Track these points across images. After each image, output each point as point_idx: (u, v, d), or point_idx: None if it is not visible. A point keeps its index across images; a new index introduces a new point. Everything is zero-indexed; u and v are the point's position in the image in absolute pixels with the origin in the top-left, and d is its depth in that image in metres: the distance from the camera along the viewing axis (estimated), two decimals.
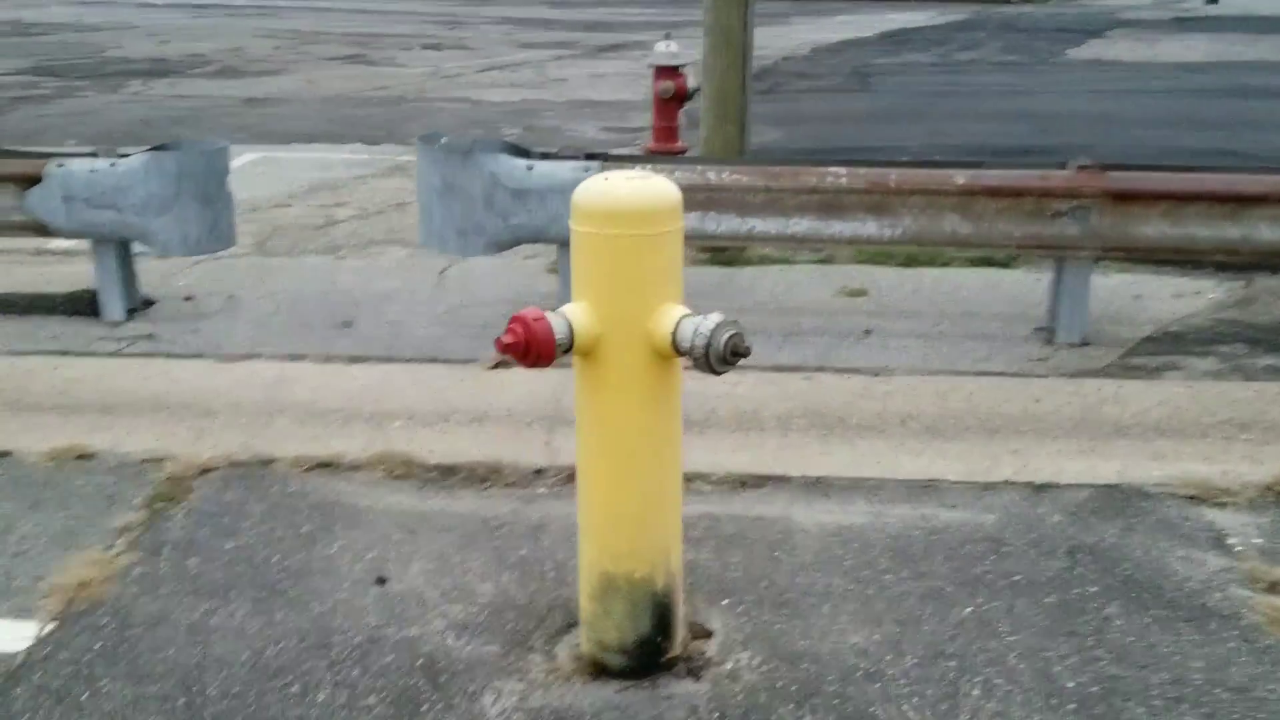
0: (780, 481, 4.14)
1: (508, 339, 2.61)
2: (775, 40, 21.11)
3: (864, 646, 3.13)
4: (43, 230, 5.59)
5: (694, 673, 3.00)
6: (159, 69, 18.13)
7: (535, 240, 5.60)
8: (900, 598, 3.37)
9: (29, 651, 3.03)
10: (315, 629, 3.17)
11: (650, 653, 2.96)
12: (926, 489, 4.08)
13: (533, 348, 2.60)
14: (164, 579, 3.41)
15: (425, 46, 23.30)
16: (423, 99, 14.97)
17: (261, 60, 19.88)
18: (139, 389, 4.96)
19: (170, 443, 4.38)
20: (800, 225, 5.48)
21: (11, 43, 22.51)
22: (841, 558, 3.61)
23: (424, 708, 2.84)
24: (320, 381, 5.04)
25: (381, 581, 3.45)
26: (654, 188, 2.66)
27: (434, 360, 5.33)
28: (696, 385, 4.88)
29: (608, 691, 2.92)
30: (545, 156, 5.66)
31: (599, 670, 2.99)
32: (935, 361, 5.31)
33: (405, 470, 4.18)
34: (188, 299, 6.14)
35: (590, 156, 5.57)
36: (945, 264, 6.74)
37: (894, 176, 5.38)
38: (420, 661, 3.03)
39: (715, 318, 2.63)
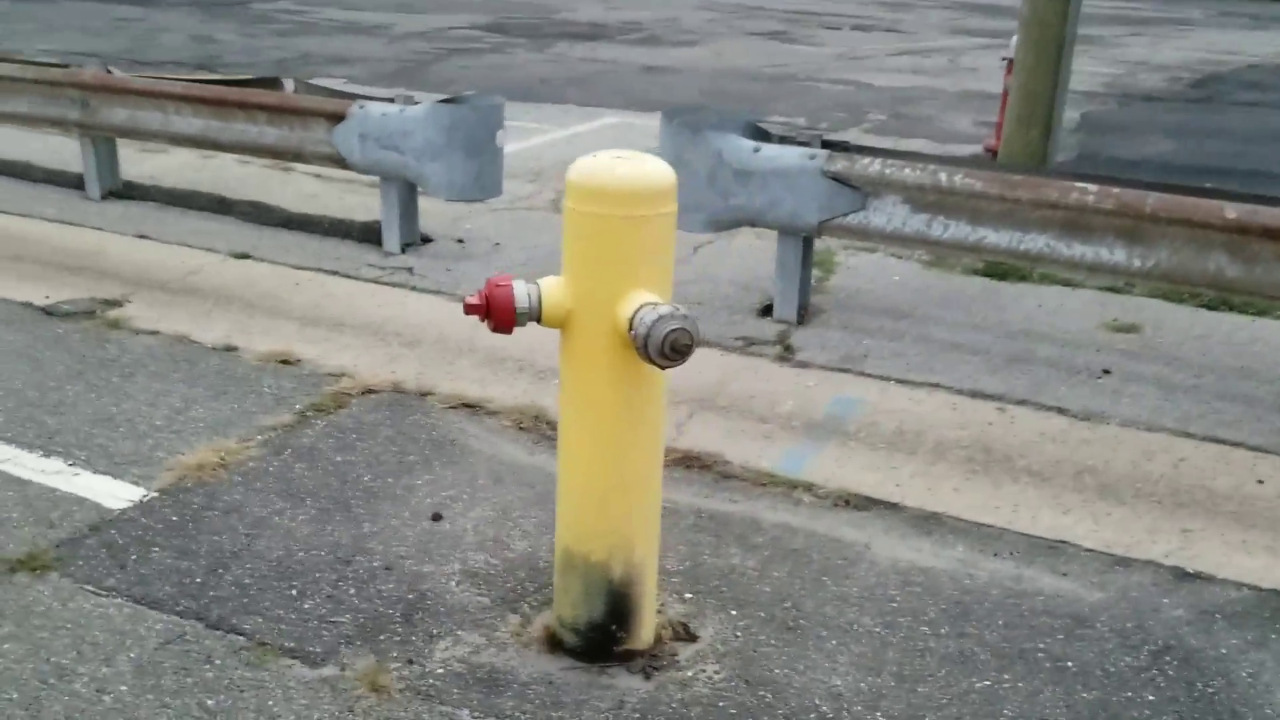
0: (888, 509, 3.86)
1: (472, 299, 2.68)
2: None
3: (840, 691, 2.91)
4: (341, 163, 6.31)
5: (648, 671, 2.94)
6: (591, 33, 19.46)
7: (753, 223, 5.54)
8: (920, 653, 3.08)
9: (121, 512, 3.54)
10: (349, 546, 3.43)
11: (603, 639, 2.93)
12: (1049, 550, 3.65)
13: (493, 312, 2.65)
14: (265, 476, 3.83)
15: (855, 28, 23.18)
16: (810, 79, 14.96)
17: (688, 31, 20.74)
18: (372, 313, 5.50)
19: (361, 363, 4.84)
20: (1036, 242, 5.00)
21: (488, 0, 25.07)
22: (891, 599, 3.33)
23: (382, 636, 3.00)
24: (528, 331, 5.31)
25: (437, 518, 3.65)
26: (637, 170, 2.61)
27: None
28: (874, 397, 4.65)
29: (552, 666, 2.93)
30: (784, 140, 5.55)
31: (556, 645, 3.00)
32: (1166, 417, 4.67)
33: (532, 424, 4.34)
34: (459, 241, 6.68)
35: (826, 144, 5.40)
36: (1261, 313, 5.84)
37: (1151, 201, 4.75)
38: (411, 596, 3.20)
39: (665, 309, 2.54)
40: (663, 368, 2.57)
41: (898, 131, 11.24)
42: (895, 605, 3.30)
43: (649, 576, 2.94)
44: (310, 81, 6.92)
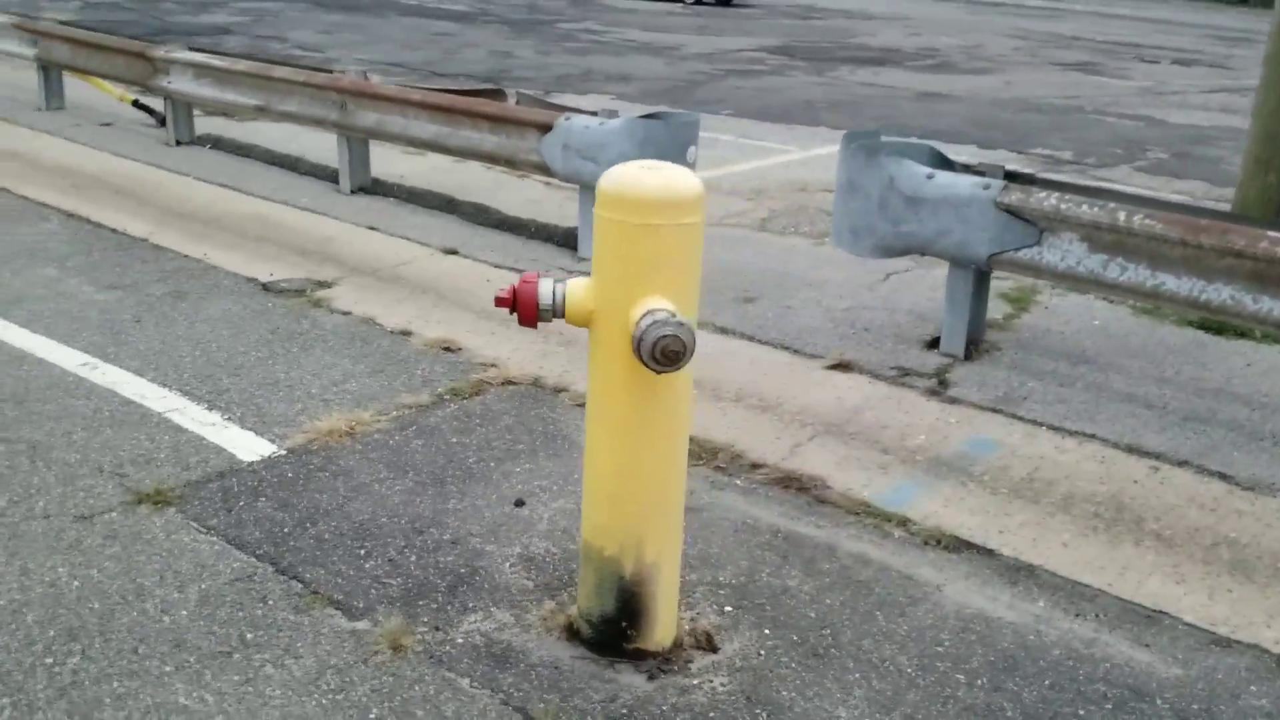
0: (980, 555, 3.71)
1: (502, 293, 2.85)
2: None
3: None
4: (545, 171, 6.68)
5: (654, 673, 2.99)
6: (880, 58, 19.27)
7: (922, 251, 5.40)
8: (943, 700, 2.97)
9: (249, 464, 3.96)
10: (428, 518, 3.69)
11: (614, 634, 3.02)
12: (1143, 619, 3.40)
13: (519, 306, 2.81)
14: (382, 447, 4.17)
15: (1175, 61, 21.71)
16: (1098, 112, 14.19)
17: (986, 59, 20.14)
18: None
19: (514, 357, 5.13)
20: (1220, 293, 4.62)
21: (784, 24, 25.35)
22: (938, 641, 3.22)
23: (421, 602, 3.23)
24: None
25: (519, 504, 3.85)
26: (657, 180, 2.69)
27: (788, 349, 5.44)
28: (1016, 441, 4.45)
29: (564, 653, 3.05)
30: (967, 169, 5.40)
31: (575, 635, 3.12)
32: None
33: None
34: None
35: (1009, 175, 5.20)
36: None
37: None
38: (464, 570, 3.41)
39: (663, 315, 2.61)
40: (657, 372, 2.62)
41: (1172, 172, 10.50)
42: (940, 649, 3.18)
43: (665, 579, 2.99)
44: (528, 93, 7.34)
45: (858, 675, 3.04)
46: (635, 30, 21.79)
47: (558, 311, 2.82)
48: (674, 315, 2.61)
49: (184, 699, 2.73)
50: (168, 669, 2.84)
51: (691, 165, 6.31)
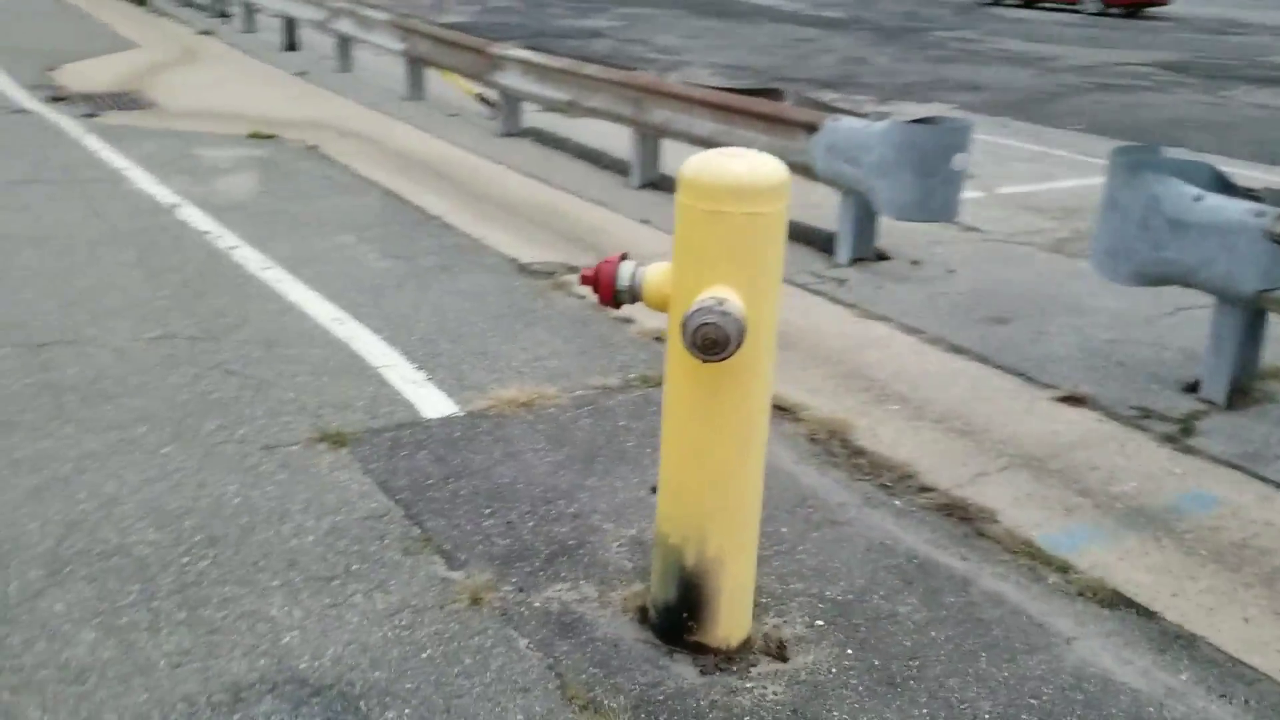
0: (1138, 616, 3.35)
1: (587, 271, 2.94)
2: None
3: None
4: (809, 173, 6.64)
5: (708, 669, 2.97)
6: None
7: (1183, 282, 4.86)
8: None
9: (427, 421, 4.28)
10: (562, 490, 3.84)
11: (675, 623, 3.02)
12: None
13: (599, 285, 2.90)
14: (550, 421, 4.36)
15: None
16: None
17: None
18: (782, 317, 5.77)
19: None
20: None
21: (1192, 38, 23.25)
22: (1036, 694, 2.96)
23: (518, 564, 3.38)
24: (903, 356, 5.27)
25: (654, 490, 3.90)
26: (730, 166, 2.66)
27: (1021, 375, 5.11)
28: (1245, 501, 3.97)
29: (629, 634, 3.09)
30: (1249, 194, 4.82)
31: (645, 618, 3.15)
32: None
33: (825, 439, 4.37)
34: (914, 263, 6.66)
35: None
36: None
37: None
38: (571, 543, 3.52)
39: (711, 303, 2.60)
40: (702, 360, 2.60)
41: None
42: (1033, 702, 2.91)
43: (729, 575, 2.95)
44: (806, 95, 7.29)
45: (925, 711, 2.85)
46: (1014, 40, 20.84)
47: (635, 294, 2.85)
48: (721, 304, 2.57)
49: (275, 611, 3.03)
50: (274, 584, 3.16)
51: (959, 173, 6.04)
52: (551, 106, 9.23)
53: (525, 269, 6.22)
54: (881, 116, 6.27)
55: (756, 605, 3.23)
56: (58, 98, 10.67)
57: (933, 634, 3.17)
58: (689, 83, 7.79)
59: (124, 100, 10.92)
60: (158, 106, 10.59)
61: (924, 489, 4.02)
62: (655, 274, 2.83)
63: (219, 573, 3.19)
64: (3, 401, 4.14)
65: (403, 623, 3.03)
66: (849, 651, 3.08)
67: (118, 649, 2.83)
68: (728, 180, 2.63)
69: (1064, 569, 3.53)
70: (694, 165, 2.69)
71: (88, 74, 12.12)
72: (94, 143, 8.67)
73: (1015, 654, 3.10)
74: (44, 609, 2.97)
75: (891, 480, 4.07)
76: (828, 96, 11.73)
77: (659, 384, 4.63)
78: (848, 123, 6.35)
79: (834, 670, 2.99)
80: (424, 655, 2.91)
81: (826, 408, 4.61)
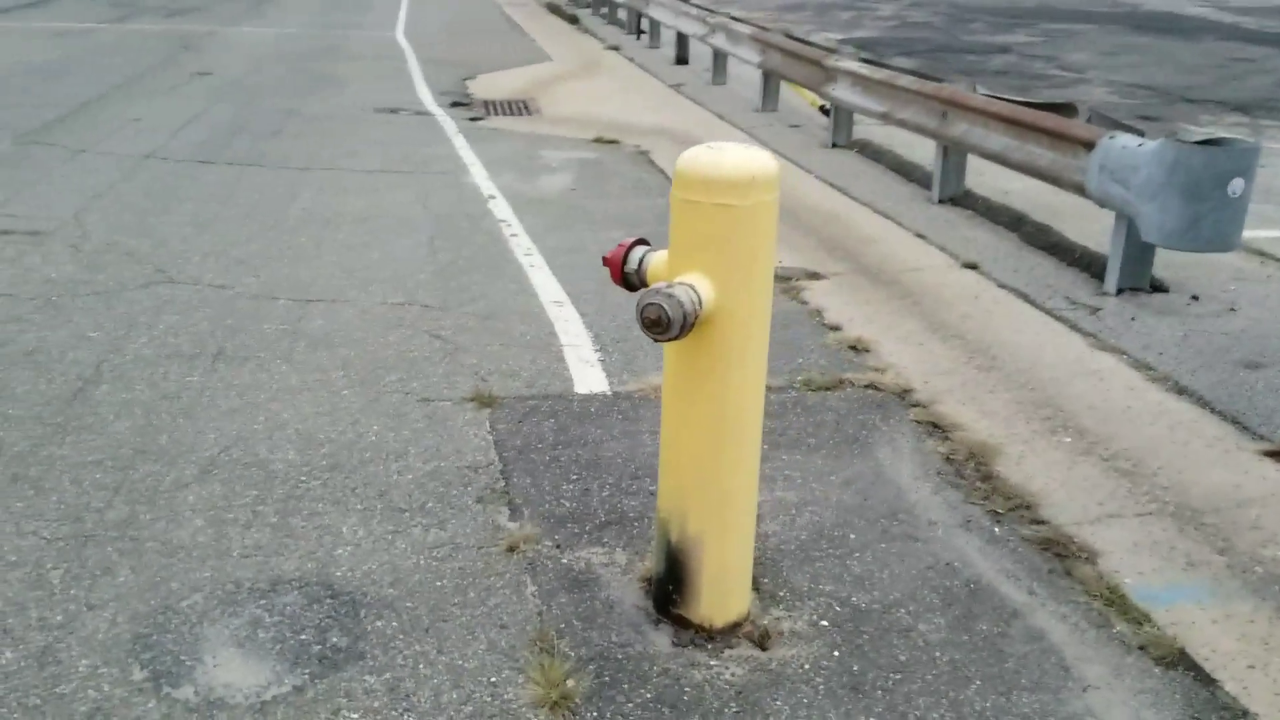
0: (1191, 678, 3.06)
1: (608, 253, 3.19)
2: None
3: None
4: (1080, 190, 6.27)
5: (682, 643, 3.10)
6: None
7: None
8: None
9: (574, 394, 4.66)
10: (652, 470, 4.05)
11: (661, 595, 3.19)
12: None
13: (610, 265, 3.14)
14: None
15: None
16: None
17: None
18: (1006, 332, 5.59)
19: (916, 368, 5.10)
20: None
21: None
22: None
23: (571, 525, 3.66)
24: (1113, 391, 4.91)
25: None
26: (708, 158, 2.80)
27: (1237, 424, 4.61)
28: None
29: (628, 598, 3.28)
30: None
31: (649, 582, 3.35)
32: None
33: (959, 461, 4.27)
34: (1193, 298, 6.09)
35: None
36: None
37: None
38: (632, 516, 3.73)
39: (663, 285, 2.78)
40: (652, 339, 2.77)
41: None
42: None
43: (710, 555, 3.06)
44: (1103, 113, 6.81)
45: (872, 718, 2.81)
46: None
47: (642, 277, 3.05)
48: (670, 287, 2.72)
49: (345, 529, 3.55)
50: (358, 508, 3.68)
51: (1238, 201, 5.49)
52: (873, 117, 9.24)
53: None
54: (1169, 134, 5.77)
55: (770, 597, 3.30)
56: (458, 103, 12.17)
57: (937, 654, 3.08)
58: (989, 95, 7.53)
59: (514, 106, 12.25)
60: (538, 113, 11.77)
61: (1036, 521, 3.81)
62: (658, 261, 3.01)
63: (322, 491, 3.76)
64: (253, 341, 5.03)
65: (438, 555, 3.43)
66: (835, 654, 3.07)
67: (211, 535, 3.47)
68: (699, 172, 2.77)
69: (1139, 621, 3.25)
70: (682, 157, 2.85)
71: (496, 83, 13.67)
72: (461, 142, 9.87)
73: (1013, 690, 2.94)
74: (179, 498, 3.68)
75: (1006, 508, 3.88)
76: (1232, 121, 10.73)
77: (819, 388, 4.70)
78: (1121, 140, 5.93)
79: (806, 667, 3.01)
80: (438, 584, 3.29)
81: (985, 431, 4.44)
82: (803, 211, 7.84)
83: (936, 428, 4.47)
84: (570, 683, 2.87)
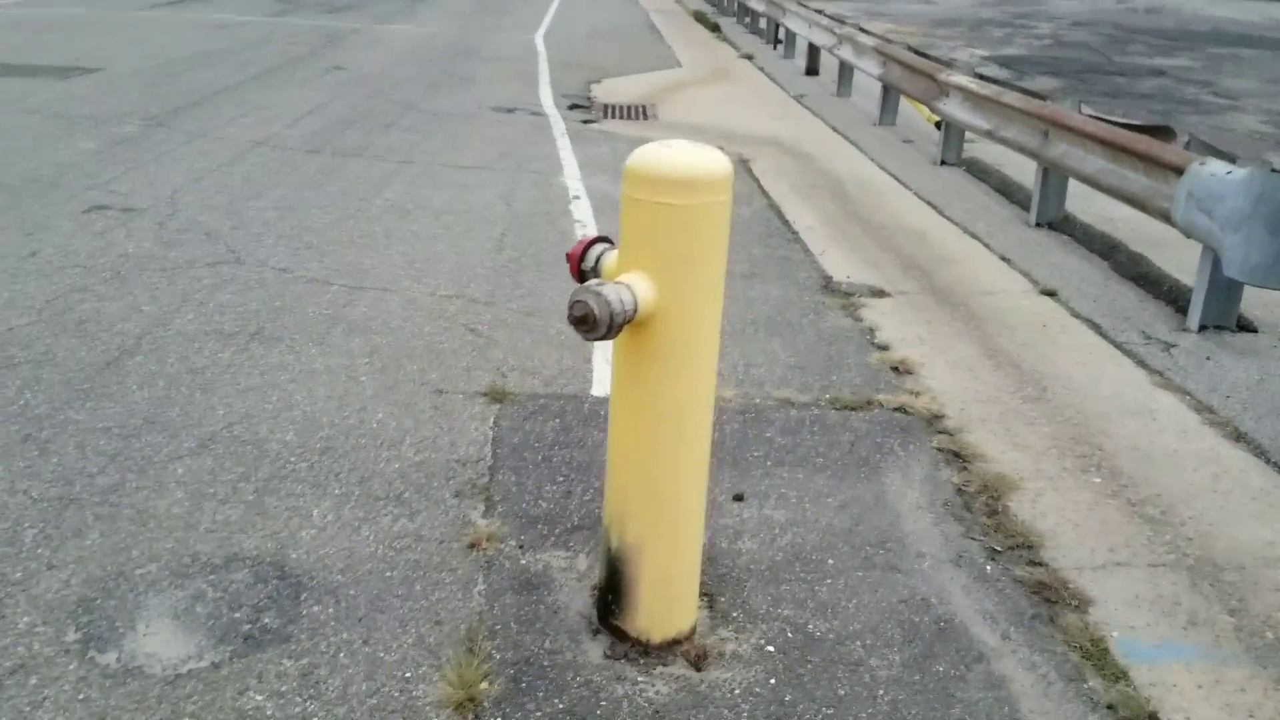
0: None
1: (570, 249, 3.14)
2: None
3: None
4: (1166, 218, 5.90)
5: (615, 655, 3.01)
6: None
7: None
8: None
9: (589, 397, 4.62)
10: None
11: (601, 604, 3.12)
12: None
13: (570, 259, 3.09)
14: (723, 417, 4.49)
15: None
16: None
17: None
18: (1068, 365, 5.30)
19: (954, 393, 4.89)
20: None
21: None
22: None
23: (541, 528, 3.62)
24: (1162, 433, 4.62)
25: (738, 498, 3.93)
26: (654, 155, 2.69)
27: None
28: None
29: (575, 605, 3.21)
30: None
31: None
32: None
33: (970, 494, 4.07)
34: None
35: None
36: None
37: None
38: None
39: (592, 284, 2.72)
40: (582, 337, 2.71)
41: None
42: None
43: (648, 564, 2.97)
44: (1199, 137, 6.38)
45: None
46: None
47: (598, 273, 2.99)
48: (600, 285, 2.66)
49: (316, 512, 3.59)
50: (336, 492, 3.72)
51: None
52: (982, 134, 8.92)
53: (828, 286, 6.24)
54: (1263, 163, 5.38)
55: (723, 616, 3.20)
56: (577, 105, 12.27)
57: (880, 692, 2.92)
58: (1090, 116, 7.16)
59: (632, 111, 12.29)
60: (655, 118, 11.78)
61: (1034, 563, 3.59)
62: (613, 259, 2.94)
63: (306, 474, 3.81)
64: (293, 323, 5.15)
65: (398, 546, 3.43)
66: (771, 681, 2.95)
67: (186, 507, 3.56)
68: (643, 170, 2.69)
69: (1115, 678, 3.02)
70: (633, 154, 2.78)
71: (620, 88, 13.74)
72: (565, 143, 9.94)
73: None
74: (168, 470, 3.79)
75: (1005, 546, 3.67)
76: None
77: (844, 407, 4.55)
78: (1211, 167, 5.55)
79: (735, 692, 2.89)
80: (388, 574, 3.29)
81: (1008, 464, 4.21)
82: (888, 228, 7.61)
83: (957, 457, 4.25)
84: (484, 685, 2.83)
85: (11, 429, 4.00)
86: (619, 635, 3.06)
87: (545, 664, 2.94)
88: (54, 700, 2.69)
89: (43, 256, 5.85)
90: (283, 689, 2.77)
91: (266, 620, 3.03)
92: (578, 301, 2.63)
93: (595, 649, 3.01)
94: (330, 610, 3.09)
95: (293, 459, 3.90)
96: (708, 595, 3.29)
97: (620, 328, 2.67)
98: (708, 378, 2.88)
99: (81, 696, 2.71)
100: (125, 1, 19.36)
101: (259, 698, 2.74)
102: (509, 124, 10.55)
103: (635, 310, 2.69)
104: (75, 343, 4.77)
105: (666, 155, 2.69)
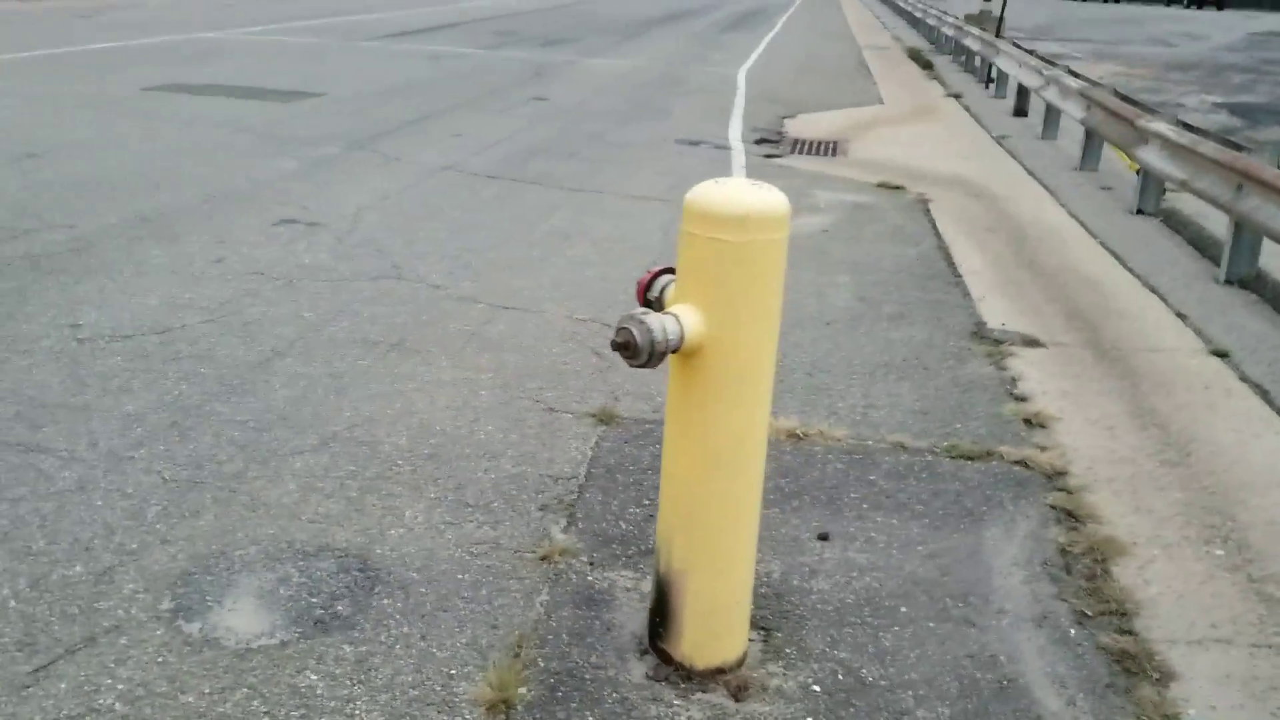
0: None
1: (641, 278, 3.23)
2: None
3: None
4: None
5: (656, 678, 3.04)
6: None
7: None
8: None
9: None
10: None
11: (651, 625, 3.18)
12: None
13: (638, 288, 3.18)
14: (795, 454, 4.48)
15: None
16: None
17: None
18: (1189, 431, 5.03)
19: (1090, 453, 4.72)
20: None
21: None
22: None
23: (615, 547, 3.71)
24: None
25: (823, 537, 3.91)
26: (707, 192, 2.79)
27: None
28: None
29: (630, 625, 3.28)
30: None
31: None
32: None
33: (1073, 555, 3.93)
34: None
35: None
36: None
37: None
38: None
39: (638, 313, 2.81)
40: (629, 364, 2.80)
41: None
42: None
43: (692, 590, 3.00)
44: None
45: None
46: None
47: (661, 304, 3.06)
48: (644, 314, 2.74)
49: (409, 514, 3.79)
50: (432, 496, 3.91)
51: None
52: (1178, 183, 8.47)
53: (978, 333, 6.08)
54: None
55: (776, 651, 3.20)
56: (766, 140, 12.37)
57: None
58: None
59: (821, 147, 12.29)
60: (843, 154, 11.75)
61: (1124, 631, 3.42)
62: (671, 287, 3.01)
63: (408, 476, 4.03)
64: (434, 336, 5.44)
65: (475, 551, 3.59)
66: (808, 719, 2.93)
67: (295, 498, 3.83)
68: (698, 205, 2.76)
69: None
70: (691, 190, 2.85)
71: (814, 123, 13.75)
72: (739, 176, 10.04)
73: None
74: (288, 463, 4.08)
75: (1096, 611, 3.51)
76: None
77: (960, 456, 4.46)
78: None
79: None
80: (460, 576, 3.45)
81: (1124, 528, 4.02)
82: (1061, 276, 7.33)
83: (1070, 516, 4.08)
84: (521, 690, 2.93)
85: (162, 416, 4.39)
86: (664, 658, 3.09)
87: (586, 677, 3.01)
88: (136, 660, 2.95)
89: (227, 263, 6.38)
90: (336, 672, 2.95)
91: (339, 608, 3.23)
92: (621, 328, 2.71)
93: (639, 669, 3.06)
94: (399, 604, 3.26)
95: (400, 462, 4.12)
96: (764, 629, 3.28)
97: (662, 356, 2.73)
98: (758, 410, 2.90)
99: (160, 660, 2.96)
100: (358, 32, 20.77)
101: (314, 677, 2.92)
102: (689, 156, 10.72)
103: (681, 340, 2.74)
104: (236, 342, 5.19)
105: (720, 192, 2.74)
